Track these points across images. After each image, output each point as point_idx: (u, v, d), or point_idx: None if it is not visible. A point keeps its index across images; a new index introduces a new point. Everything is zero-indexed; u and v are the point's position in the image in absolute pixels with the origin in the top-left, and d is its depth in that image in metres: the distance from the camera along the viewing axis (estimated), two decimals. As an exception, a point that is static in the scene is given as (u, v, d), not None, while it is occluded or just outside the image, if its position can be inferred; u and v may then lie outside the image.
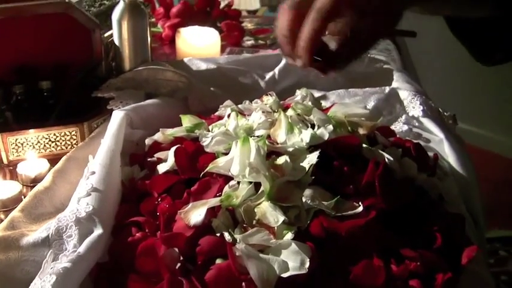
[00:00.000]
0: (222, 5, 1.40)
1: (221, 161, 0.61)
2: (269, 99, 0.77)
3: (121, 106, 0.85)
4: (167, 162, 0.67)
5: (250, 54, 1.16)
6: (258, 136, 0.65)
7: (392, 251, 0.55)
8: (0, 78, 0.89)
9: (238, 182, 0.59)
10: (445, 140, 0.81)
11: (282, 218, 0.54)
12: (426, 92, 0.97)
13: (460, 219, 0.64)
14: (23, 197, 0.72)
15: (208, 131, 0.72)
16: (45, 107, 0.89)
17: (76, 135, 0.85)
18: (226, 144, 0.64)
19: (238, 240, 0.53)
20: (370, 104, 0.91)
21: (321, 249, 0.53)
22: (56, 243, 0.58)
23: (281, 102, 0.78)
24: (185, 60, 1.06)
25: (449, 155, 0.78)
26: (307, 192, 0.57)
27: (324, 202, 0.56)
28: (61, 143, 0.85)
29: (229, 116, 0.73)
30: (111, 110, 0.82)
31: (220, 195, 0.58)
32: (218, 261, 0.53)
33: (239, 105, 0.79)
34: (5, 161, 0.83)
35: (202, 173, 0.62)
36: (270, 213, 0.55)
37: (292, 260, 0.51)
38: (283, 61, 1.02)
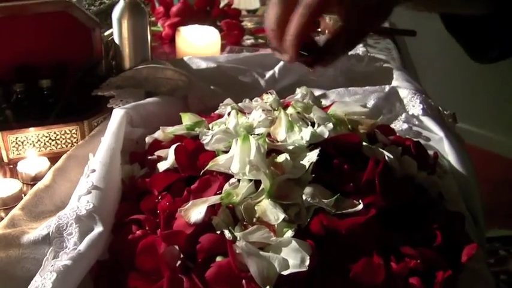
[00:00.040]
0: (222, 4, 1.41)
1: (221, 159, 0.61)
2: (269, 98, 0.77)
3: (121, 104, 0.85)
4: (167, 160, 0.67)
5: (250, 53, 1.16)
6: (258, 134, 0.65)
7: (392, 248, 0.55)
8: (0, 77, 0.89)
9: (239, 180, 0.59)
10: (445, 138, 0.81)
11: (282, 216, 0.54)
12: (426, 91, 0.97)
13: (460, 217, 0.64)
14: (23, 195, 0.72)
15: (209, 129, 0.72)
16: (45, 106, 0.89)
17: (76, 134, 0.85)
18: (227, 142, 0.64)
19: (238, 238, 0.53)
20: (370, 103, 0.91)
21: (321, 247, 0.53)
22: (57, 241, 0.58)
23: (281, 100, 0.78)
24: (185, 59, 1.06)
25: (449, 153, 0.78)
26: (307, 190, 0.57)
27: (324, 200, 0.56)
28: (61, 141, 0.85)
29: (229, 114, 0.73)
30: (111, 109, 0.82)
31: (220, 193, 0.58)
32: (218, 258, 0.53)
33: (239, 104, 0.79)
34: (5, 159, 0.83)
35: (203, 171, 0.62)
36: (270, 211, 0.55)
37: (293, 257, 0.51)
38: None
